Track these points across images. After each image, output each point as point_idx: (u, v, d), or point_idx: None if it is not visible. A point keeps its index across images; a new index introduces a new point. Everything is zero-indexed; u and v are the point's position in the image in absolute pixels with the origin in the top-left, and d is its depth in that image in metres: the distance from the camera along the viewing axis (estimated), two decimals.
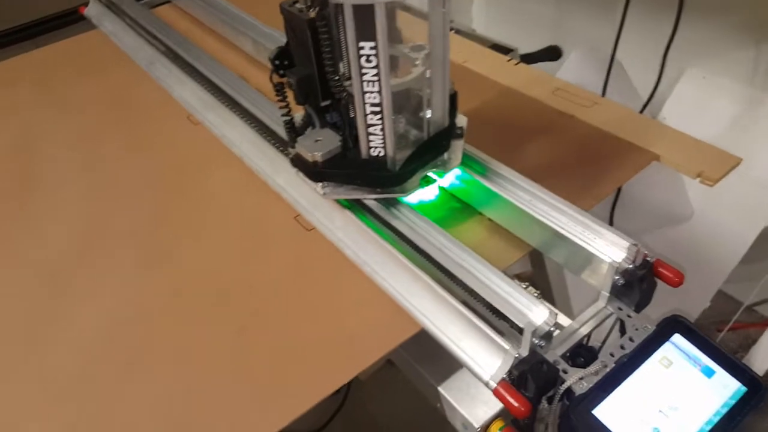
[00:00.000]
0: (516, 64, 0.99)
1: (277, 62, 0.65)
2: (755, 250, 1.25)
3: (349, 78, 0.58)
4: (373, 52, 0.54)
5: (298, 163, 0.65)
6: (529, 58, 1.33)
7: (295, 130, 0.68)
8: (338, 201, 0.69)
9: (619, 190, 1.27)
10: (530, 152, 0.81)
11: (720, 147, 0.77)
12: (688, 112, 1.33)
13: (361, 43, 0.54)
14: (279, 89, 0.66)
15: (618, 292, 0.58)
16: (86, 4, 1.18)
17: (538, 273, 1.26)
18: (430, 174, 0.68)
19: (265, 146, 0.78)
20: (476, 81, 0.95)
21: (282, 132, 0.73)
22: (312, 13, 0.55)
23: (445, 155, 0.68)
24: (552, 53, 1.39)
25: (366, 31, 0.53)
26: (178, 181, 0.81)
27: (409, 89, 0.63)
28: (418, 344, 0.58)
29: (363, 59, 0.55)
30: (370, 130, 0.61)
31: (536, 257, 1.18)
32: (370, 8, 0.52)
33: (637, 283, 0.57)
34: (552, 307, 0.62)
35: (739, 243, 1.24)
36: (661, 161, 0.77)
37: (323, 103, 0.65)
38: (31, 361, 0.62)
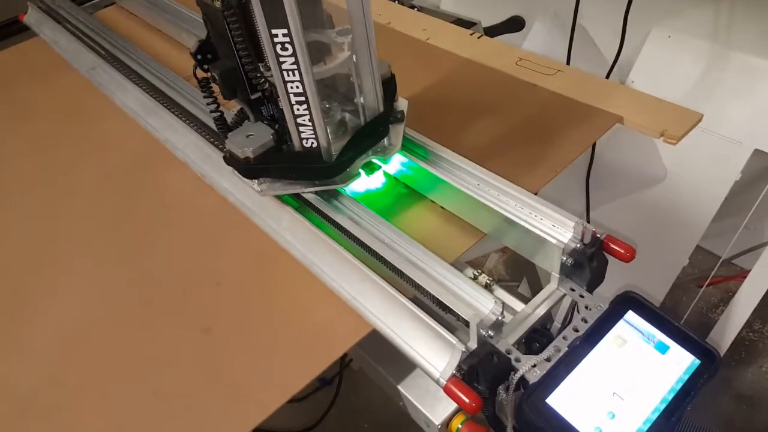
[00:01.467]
0: (479, 37, 0.97)
1: (199, 56, 0.61)
2: (728, 205, 1.25)
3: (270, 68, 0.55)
4: (287, 39, 0.51)
5: (232, 161, 0.62)
6: (492, 31, 1.29)
7: (226, 126, 0.65)
8: (281, 198, 0.66)
9: (592, 157, 1.25)
10: (493, 123, 0.79)
11: (688, 106, 0.76)
12: (655, 72, 1.32)
13: (274, 31, 0.51)
14: (204, 85, 0.63)
15: (568, 272, 0.56)
16: (26, 12, 1.14)
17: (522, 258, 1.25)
18: (375, 161, 0.66)
19: (209, 149, 0.75)
20: (439, 56, 0.94)
21: None
22: (217, 3, 0.51)
23: (385, 141, 0.65)
24: (515, 24, 1.35)
25: (276, 18, 0.50)
26: (128, 190, 0.77)
27: (337, 75, 0.60)
28: (376, 343, 0.56)
29: (278, 47, 0.52)
30: (299, 120, 0.58)
31: None
32: None
33: (586, 261, 0.55)
34: (503, 295, 0.60)
35: (713, 199, 1.24)
36: (624, 123, 0.76)
37: (253, 96, 0.62)
38: None
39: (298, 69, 0.53)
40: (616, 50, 1.20)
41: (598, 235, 0.56)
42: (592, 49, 1.39)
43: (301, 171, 0.61)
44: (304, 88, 0.55)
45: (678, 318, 1.43)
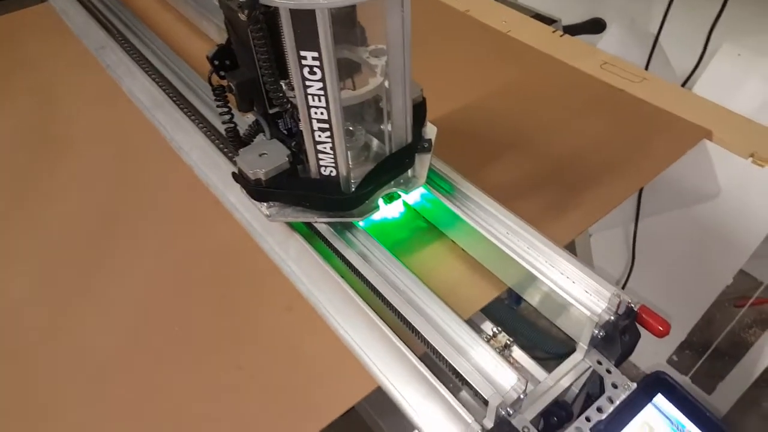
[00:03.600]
0: (561, 35, 0.95)
1: (216, 62, 0.56)
2: None
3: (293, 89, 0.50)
4: (317, 63, 0.46)
5: (241, 180, 0.57)
6: (572, 30, 1.24)
7: (239, 140, 0.61)
8: (291, 223, 0.61)
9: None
10: (580, 127, 0.78)
11: None
12: (721, 89, 1.27)
13: (303, 53, 0.46)
14: (219, 93, 0.58)
15: (598, 344, 0.52)
16: None
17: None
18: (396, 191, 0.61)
19: (218, 156, 0.70)
20: (521, 51, 0.92)
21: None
22: (242, 15, 0.46)
23: (409, 172, 0.60)
24: (596, 26, 1.31)
25: (307, 40, 0.45)
26: (123, 191, 0.72)
27: (366, 102, 0.55)
28: (379, 392, 0.51)
29: (306, 71, 0.47)
30: (319, 147, 0.53)
31: None
32: (311, 14, 0.44)
33: (618, 335, 0.50)
34: (522, 358, 0.56)
35: (763, 222, 1.21)
36: (712, 139, 0.75)
37: (272, 111, 0.57)
38: None
39: (326, 96, 0.48)
40: (686, 63, 1.16)
41: (633, 306, 0.51)
42: (662, 60, 1.33)
43: (316, 200, 0.56)
44: (329, 116, 0.50)
45: (711, 336, 1.41)
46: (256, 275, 0.61)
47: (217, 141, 0.70)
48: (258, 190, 0.56)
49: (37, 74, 0.92)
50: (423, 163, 0.61)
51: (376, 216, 0.64)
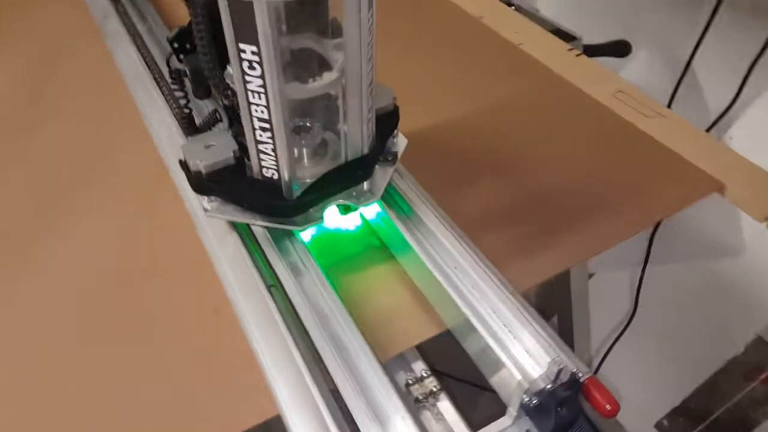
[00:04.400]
0: (577, 54, 0.89)
1: (176, 45, 0.54)
2: None
3: None
4: (256, 58, 0.43)
5: (185, 168, 0.54)
6: (592, 50, 1.16)
7: (194, 127, 0.58)
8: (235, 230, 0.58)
9: None
10: (574, 159, 0.72)
11: None
12: (762, 133, 1.17)
13: (241, 45, 0.43)
14: (175, 77, 0.55)
15: (530, 412, 0.46)
16: None
17: (559, 288, 1.14)
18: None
19: (183, 140, 0.67)
20: (530, 67, 0.86)
21: None
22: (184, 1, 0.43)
23: (365, 185, 0.56)
24: (620, 48, 1.21)
25: (246, 33, 0.42)
26: (88, 160, 0.71)
27: (320, 98, 0.52)
28: None
29: (245, 64, 0.44)
30: (260, 147, 0.49)
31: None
32: (248, 6, 0.40)
33: (554, 406, 0.44)
34: (447, 411, 0.52)
35: None
36: (724, 194, 0.67)
37: (226, 102, 0.54)
38: None
39: (266, 93, 0.45)
40: (723, 102, 1.08)
41: (578, 377, 0.45)
42: (695, 94, 1.24)
43: (255, 203, 0.53)
44: (269, 115, 0.46)
45: (711, 406, 1.32)
46: (191, 268, 0.58)
47: (185, 122, 0.68)
48: (198, 183, 0.53)
49: (40, 34, 0.91)
50: (383, 176, 0.57)
51: (330, 225, 0.61)
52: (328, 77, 0.49)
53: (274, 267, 0.53)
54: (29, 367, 0.53)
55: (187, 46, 0.54)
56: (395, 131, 0.59)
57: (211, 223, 0.58)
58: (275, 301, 0.50)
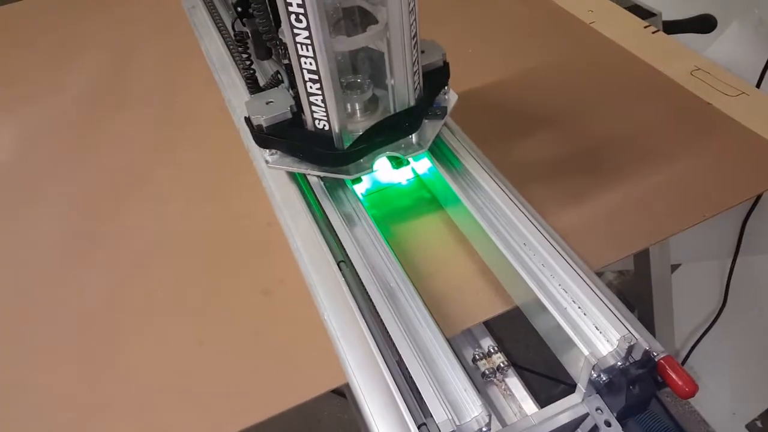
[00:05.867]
0: (654, 32, 0.86)
1: (239, 9, 0.59)
2: None
3: None
4: (301, 10, 0.47)
5: (249, 124, 0.60)
6: (673, 26, 1.11)
7: (257, 88, 0.63)
8: (295, 182, 0.62)
9: (759, 197, 1.07)
10: (647, 141, 0.70)
11: None
12: None
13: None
14: (239, 39, 0.61)
15: (601, 390, 0.46)
16: None
17: (639, 280, 1.11)
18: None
19: None
20: (601, 46, 0.84)
21: None
22: None
23: (413, 138, 0.59)
24: (703, 23, 1.13)
25: None
26: (175, 140, 0.78)
27: (370, 54, 0.55)
28: None
29: (292, 17, 0.48)
30: (311, 99, 0.54)
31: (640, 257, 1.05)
32: None
33: (625, 384, 0.44)
34: (516, 387, 0.53)
35: None
36: None
37: (285, 61, 0.59)
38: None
39: (312, 45, 0.49)
40: None
41: (653, 355, 0.44)
42: None
43: (309, 153, 0.57)
44: (317, 66, 0.50)
45: None
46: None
47: None
48: (260, 137, 0.58)
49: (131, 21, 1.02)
50: (432, 130, 0.60)
51: (384, 179, 0.64)
52: (372, 29, 0.53)
53: (329, 215, 0.57)
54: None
55: (250, 10, 0.59)
56: (446, 87, 0.61)
57: (275, 177, 0.63)
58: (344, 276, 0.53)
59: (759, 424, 1.29)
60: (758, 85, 1.02)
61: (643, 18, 0.94)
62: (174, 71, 0.90)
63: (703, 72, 0.77)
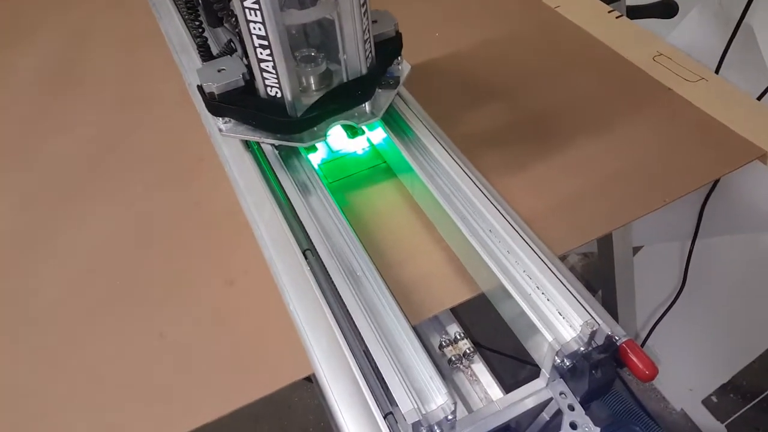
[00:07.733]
0: (618, 17, 0.87)
1: None
2: None
3: None
4: None
5: (201, 92, 0.59)
6: (636, 12, 1.12)
7: (210, 56, 0.63)
8: (249, 150, 0.62)
9: (717, 181, 1.09)
10: (608, 126, 0.70)
11: None
12: None
13: None
14: (190, 6, 0.60)
15: (565, 375, 0.47)
16: None
17: (602, 262, 1.13)
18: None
19: None
20: (564, 31, 0.84)
21: None
22: None
23: (366, 107, 0.59)
24: (665, 8, 1.16)
25: None
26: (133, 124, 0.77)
27: (323, 21, 0.55)
28: None
29: None
30: (262, 66, 0.54)
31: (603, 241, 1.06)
32: None
33: (587, 369, 0.44)
34: (482, 373, 0.54)
35: None
36: (766, 163, 0.65)
37: (238, 29, 0.59)
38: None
39: (260, 10, 0.49)
40: None
41: (615, 340, 0.45)
42: (752, 55, 1.17)
43: (262, 120, 0.57)
44: (266, 33, 0.50)
45: (764, 384, 1.25)
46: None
47: None
48: (212, 104, 0.58)
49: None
50: (386, 99, 0.60)
51: (338, 147, 0.65)
52: (323, 2, 0.53)
53: (283, 184, 0.57)
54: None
55: None
56: (399, 58, 0.62)
57: (229, 143, 0.63)
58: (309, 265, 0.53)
59: (714, 399, 1.34)
60: (717, 71, 1.04)
61: (608, 3, 0.96)
62: (133, 53, 0.89)
63: (664, 57, 0.78)
